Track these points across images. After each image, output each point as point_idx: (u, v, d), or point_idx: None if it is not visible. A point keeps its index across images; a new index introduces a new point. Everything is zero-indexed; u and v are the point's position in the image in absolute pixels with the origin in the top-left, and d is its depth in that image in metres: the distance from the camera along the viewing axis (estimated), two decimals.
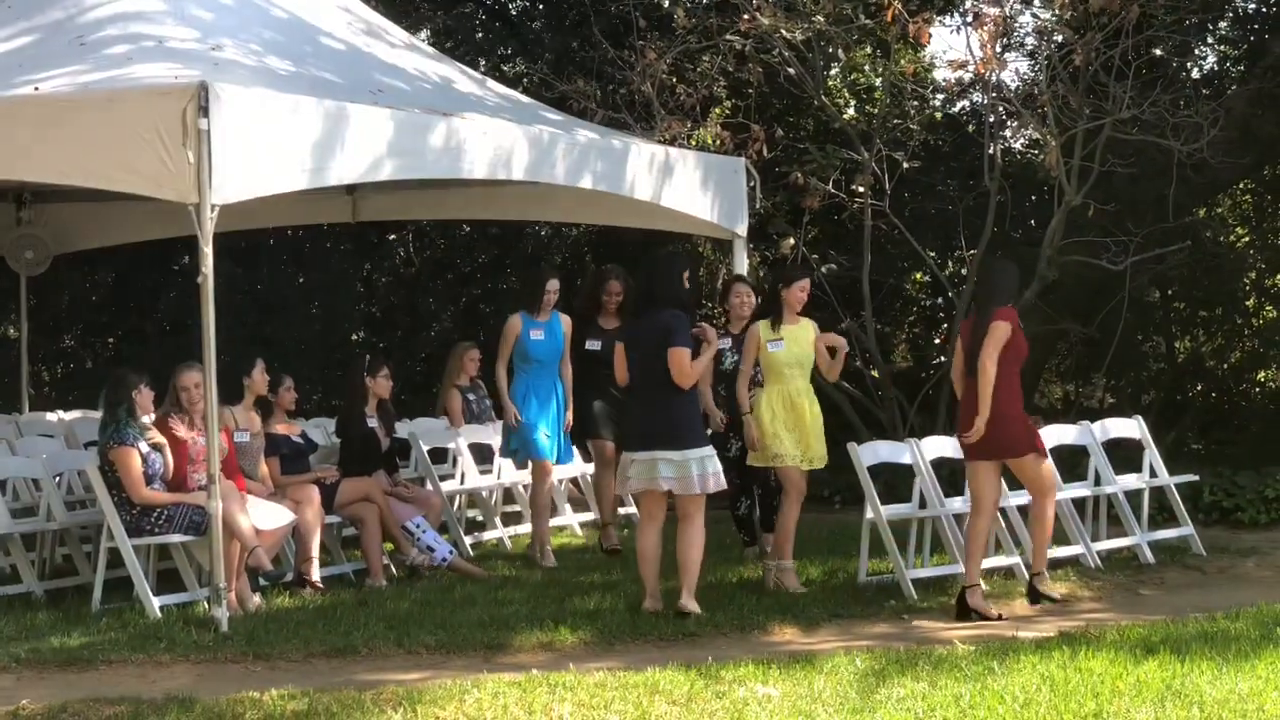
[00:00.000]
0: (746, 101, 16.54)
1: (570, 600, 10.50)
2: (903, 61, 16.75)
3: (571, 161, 12.49)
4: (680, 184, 13.62)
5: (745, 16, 15.62)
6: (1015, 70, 17.07)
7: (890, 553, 10.85)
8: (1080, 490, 11.99)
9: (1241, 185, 18.33)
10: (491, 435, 13.70)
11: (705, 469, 9.94)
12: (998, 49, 15.36)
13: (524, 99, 14.21)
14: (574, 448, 12.89)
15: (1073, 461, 12.45)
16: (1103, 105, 14.92)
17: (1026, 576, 11.06)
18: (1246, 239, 19.24)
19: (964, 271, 17.15)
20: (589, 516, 14.01)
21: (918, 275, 18.40)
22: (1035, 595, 10.65)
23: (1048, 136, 14.65)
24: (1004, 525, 11.47)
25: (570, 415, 12.37)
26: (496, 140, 11.74)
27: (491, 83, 14.17)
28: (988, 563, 11.09)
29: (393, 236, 19.93)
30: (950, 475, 11.92)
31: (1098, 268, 15.65)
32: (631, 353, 10.18)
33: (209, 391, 9.63)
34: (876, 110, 16.97)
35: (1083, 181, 15.14)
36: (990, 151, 15.88)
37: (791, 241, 16.53)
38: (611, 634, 9.56)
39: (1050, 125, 14.64)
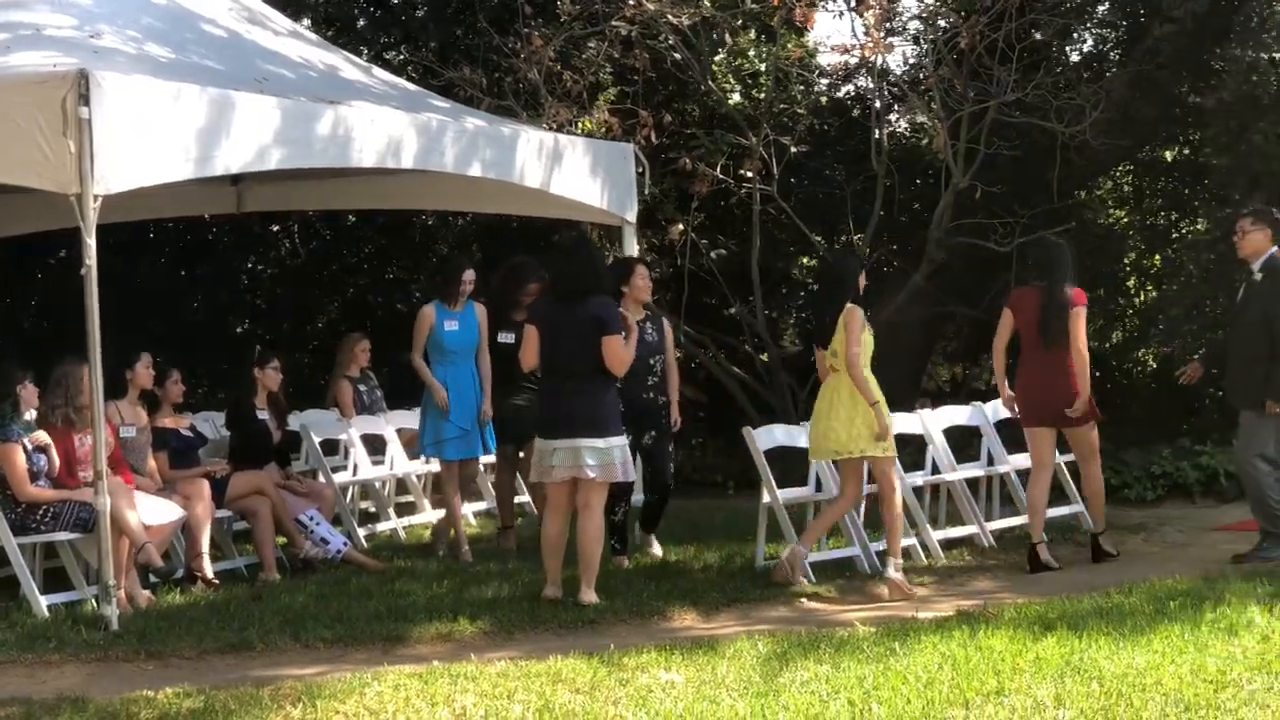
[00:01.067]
0: (633, 88, 16.46)
1: (467, 590, 10.41)
2: (789, 46, 16.75)
3: (460, 149, 12.38)
4: (570, 170, 13.55)
5: (631, 1, 15.59)
6: (902, 54, 17.12)
7: (787, 537, 10.86)
8: (973, 470, 12.07)
9: (1121, 167, 18.47)
10: (384, 426, 13.59)
11: (626, 457, 9.92)
12: (882, 33, 15.44)
13: (411, 87, 14.07)
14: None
15: (964, 442, 12.52)
16: (987, 88, 15.02)
17: (925, 559, 11.21)
18: (1125, 220, 19.41)
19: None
20: (482, 506, 13.92)
21: (805, 259, 18.42)
22: (1097, 553, 11.29)
23: (933, 120, 14.72)
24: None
25: (489, 405, 11.96)
26: (385, 128, 11.61)
27: (378, 70, 14.04)
28: (878, 545, 11.19)
29: (276, 228, 19.68)
30: None
31: (985, 250, 15.74)
32: (552, 338, 9.94)
33: (95, 387, 9.43)
34: (763, 95, 16.96)
35: (968, 164, 15.24)
36: (876, 136, 15.94)
37: (680, 227, 16.50)
38: (511, 623, 9.47)
39: (936, 108, 14.71)
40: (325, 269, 19.70)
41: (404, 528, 13.23)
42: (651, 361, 11.34)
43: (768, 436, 11.21)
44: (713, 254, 17.08)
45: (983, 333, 17.56)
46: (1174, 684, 7.20)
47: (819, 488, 11.20)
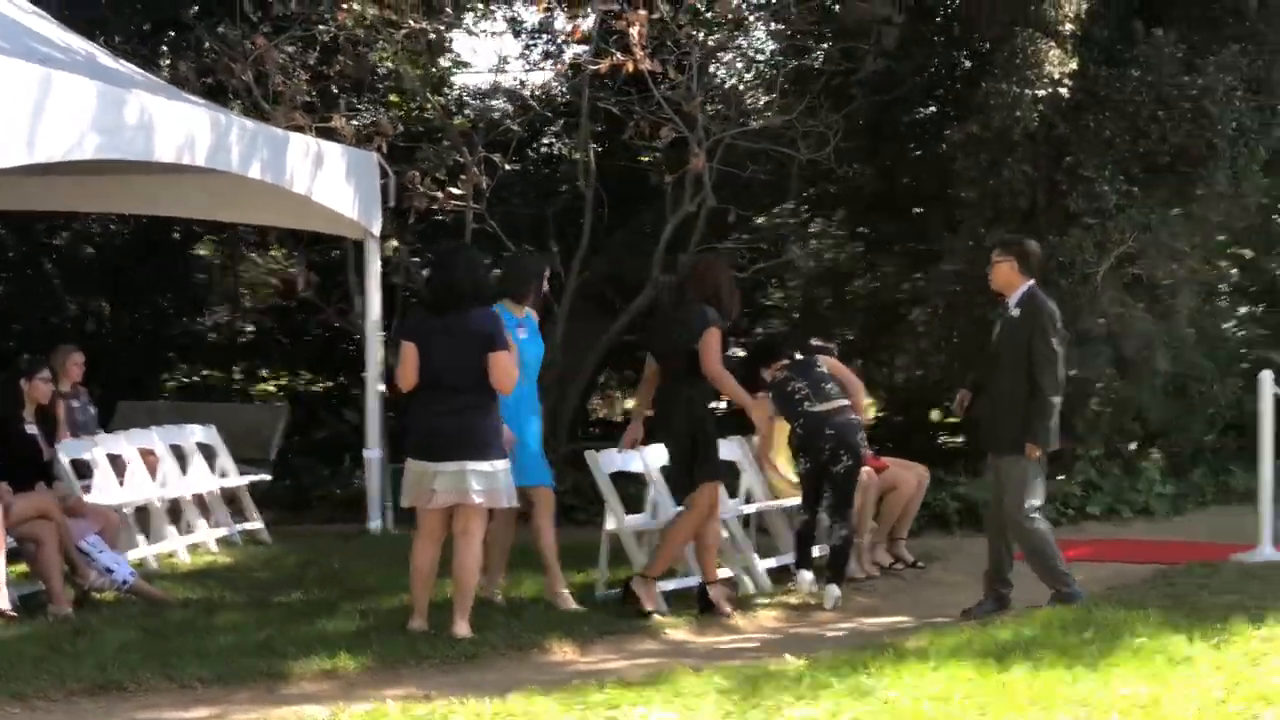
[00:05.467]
0: (351, 97, 15.78)
1: (314, 625, 9.60)
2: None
3: (243, 148, 11.67)
4: (328, 177, 12.91)
5: (343, 5, 14.89)
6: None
7: (634, 563, 10.42)
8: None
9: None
10: (124, 446, 12.50)
11: (510, 481, 9.25)
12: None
13: (165, 81, 13.08)
14: None
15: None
16: (726, 113, 14.96)
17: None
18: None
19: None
20: (223, 531, 13.04)
21: None
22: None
23: (695, 140, 14.48)
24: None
25: None
26: (183, 121, 10.79)
27: (124, 61, 12.96)
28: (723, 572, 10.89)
29: None
30: None
31: None
32: (430, 354, 9.19)
33: None
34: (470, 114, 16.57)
35: (698, 188, 15.07)
36: (583, 148, 15.67)
37: (395, 243, 15.86)
38: (393, 658, 8.76)
39: (699, 131, 14.47)
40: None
41: (155, 556, 12.17)
42: None
43: (608, 460, 10.72)
44: (424, 273, 16.44)
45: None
46: (1192, 713, 7.08)
47: (654, 514, 10.79)
